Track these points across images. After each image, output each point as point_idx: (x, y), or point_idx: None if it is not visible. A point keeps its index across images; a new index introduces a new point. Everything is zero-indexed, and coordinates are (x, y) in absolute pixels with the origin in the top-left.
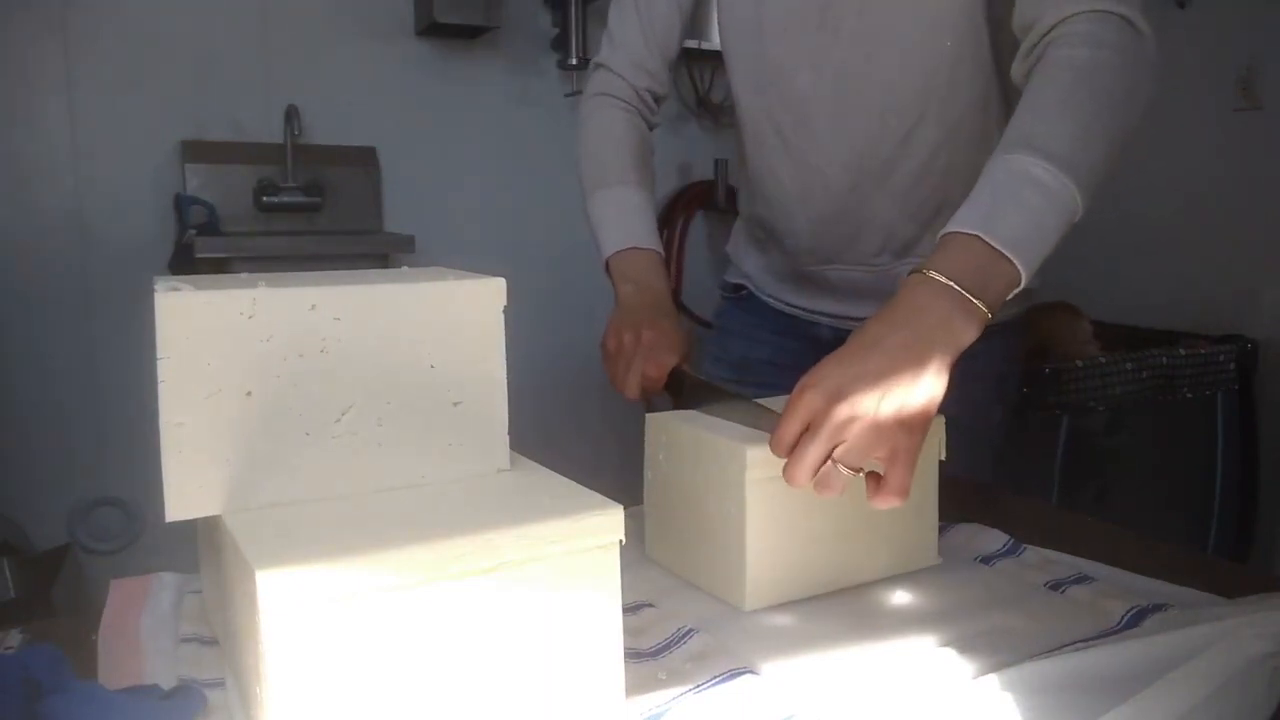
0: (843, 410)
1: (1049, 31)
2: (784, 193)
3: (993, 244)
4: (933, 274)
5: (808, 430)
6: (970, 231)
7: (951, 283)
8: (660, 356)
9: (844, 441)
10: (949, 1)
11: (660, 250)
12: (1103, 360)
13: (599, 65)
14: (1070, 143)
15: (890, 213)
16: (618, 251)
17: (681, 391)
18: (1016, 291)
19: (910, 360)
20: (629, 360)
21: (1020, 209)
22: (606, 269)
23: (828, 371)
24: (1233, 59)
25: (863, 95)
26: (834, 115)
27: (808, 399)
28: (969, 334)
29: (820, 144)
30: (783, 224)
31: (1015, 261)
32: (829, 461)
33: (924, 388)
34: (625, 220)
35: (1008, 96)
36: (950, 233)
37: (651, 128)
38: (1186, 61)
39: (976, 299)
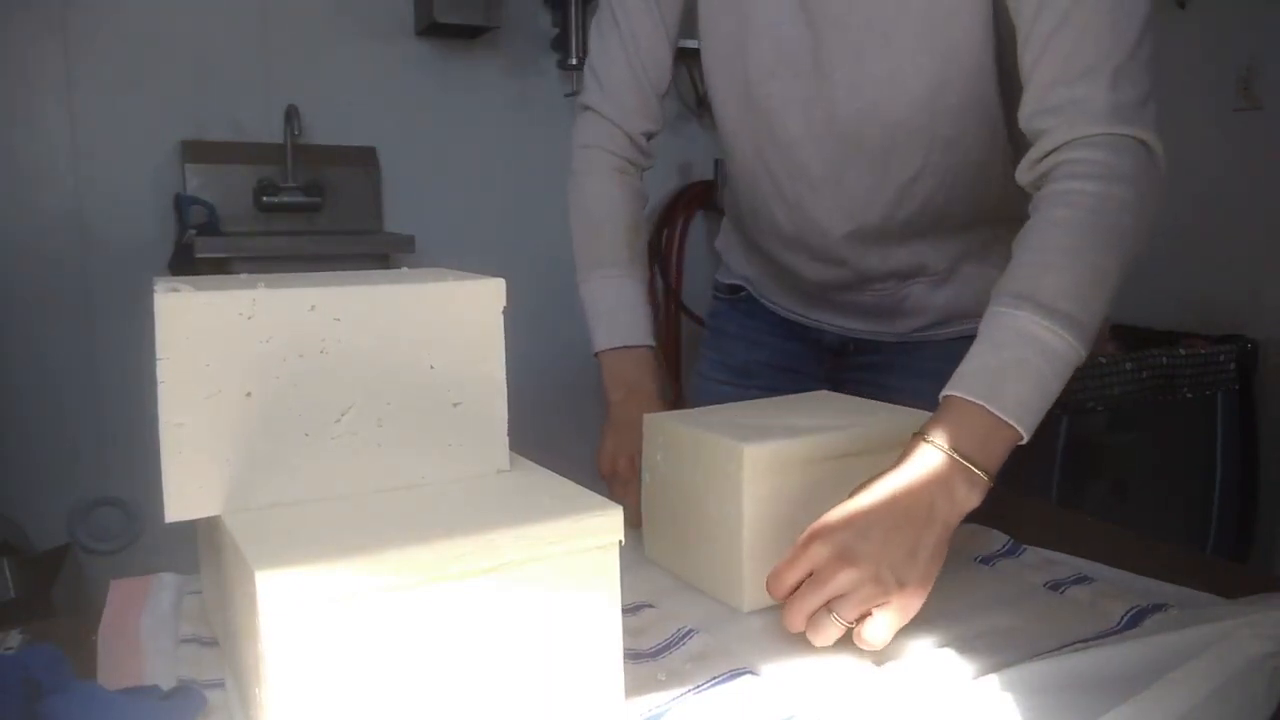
0: (848, 574)
1: (1060, 148)
2: (781, 233)
3: (996, 413)
4: (937, 443)
5: (810, 578)
6: (975, 401)
7: (955, 454)
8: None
9: (843, 596)
10: (956, 48)
11: (651, 343)
12: (1103, 360)
13: (586, 108)
14: (1076, 299)
15: (891, 251)
16: (608, 350)
17: None
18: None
19: (914, 531)
20: (624, 484)
21: (1024, 376)
22: (597, 358)
23: (835, 528)
24: (1233, 59)
25: (860, 145)
26: (829, 163)
27: (814, 552)
28: (972, 501)
29: (816, 191)
30: (783, 258)
31: (1018, 428)
32: (825, 610)
33: (924, 559)
34: (616, 314)
35: (1015, 144)
36: (953, 396)
37: (645, 170)
38: (1186, 61)
39: (979, 469)
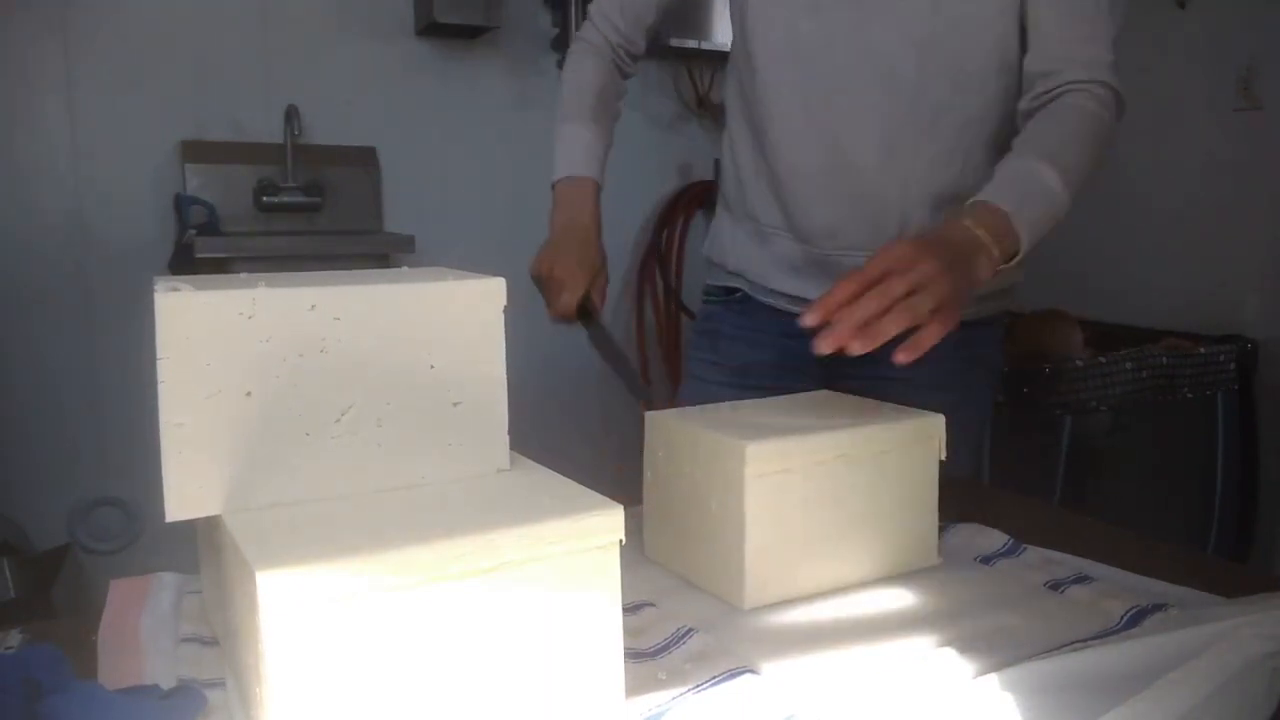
0: (930, 264)
1: (1061, 85)
2: (807, 170)
3: (1015, 224)
4: (973, 225)
5: (888, 277)
6: (1004, 207)
7: (986, 235)
8: (566, 295)
9: (920, 289)
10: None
11: (596, 178)
12: (1103, 360)
13: (588, 16)
14: (1076, 168)
15: (912, 195)
16: (559, 179)
17: (590, 318)
18: (1002, 267)
19: (964, 259)
20: (558, 286)
21: (1037, 205)
22: (552, 188)
23: (908, 242)
24: (1233, 59)
25: (895, 77)
26: (865, 94)
27: (899, 251)
28: (986, 273)
29: (849, 122)
30: (804, 204)
31: (1022, 240)
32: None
33: (967, 280)
34: (572, 152)
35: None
36: (986, 201)
37: (626, 76)
38: (1186, 61)
39: (995, 248)
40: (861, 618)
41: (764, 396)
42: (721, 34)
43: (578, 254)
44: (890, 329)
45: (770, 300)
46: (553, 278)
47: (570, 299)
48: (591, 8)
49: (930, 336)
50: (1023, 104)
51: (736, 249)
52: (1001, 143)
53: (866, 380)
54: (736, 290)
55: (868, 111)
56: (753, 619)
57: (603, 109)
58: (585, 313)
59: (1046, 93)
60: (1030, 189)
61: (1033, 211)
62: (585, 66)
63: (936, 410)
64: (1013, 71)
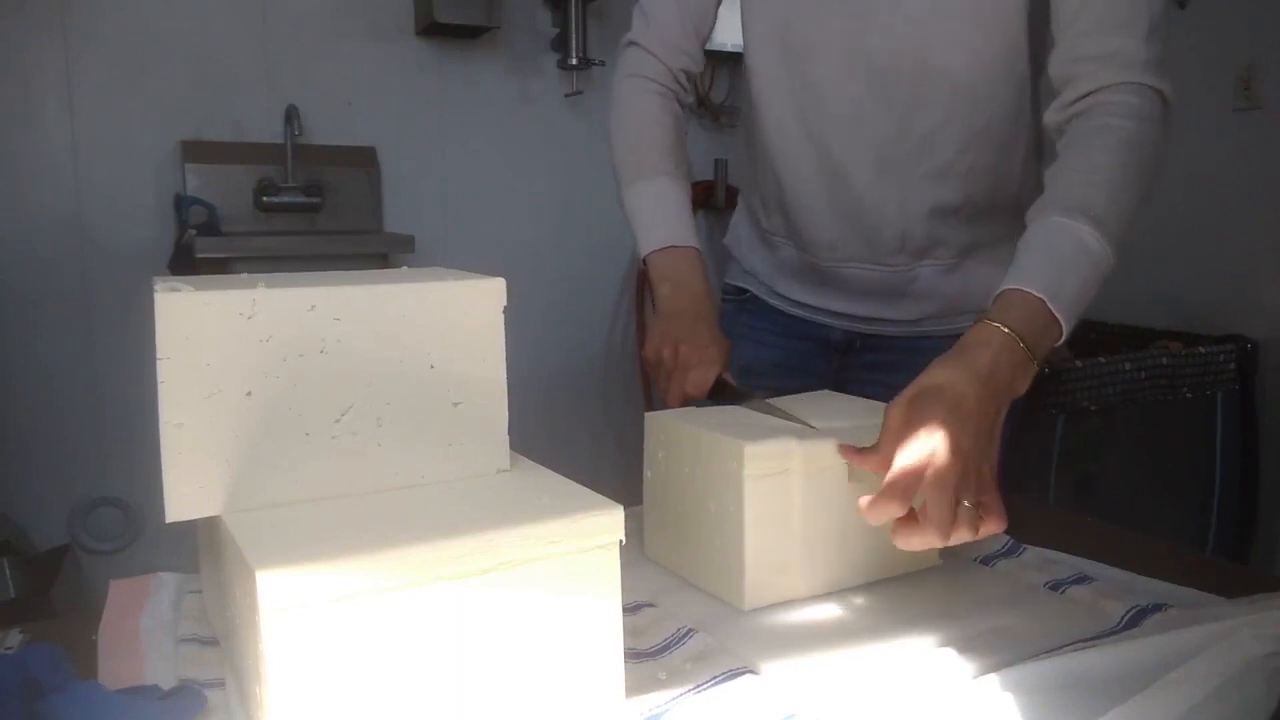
0: (955, 466)
1: (1098, 90)
2: (806, 181)
3: (1053, 309)
4: (1004, 328)
5: (922, 477)
6: (1037, 294)
7: (1020, 339)
8: (698, 373)
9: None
10: (991, 3)
11: (696, 244)
12: (1102, 360)
13: (632, 43)
14: (1119, 217)
15: (910, 210)
16: (656, 250)
17: (725, 391)
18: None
19: (992, 414)
20: (669, 375)
21: (1078, 278)
22: (644, 263)
23: (933, 426)
24: (1233, 59)
25: (890, 89)
26: (859, 105)
27: (919, 449)
28: (1025, 386)
29: (843, 134)
30: (803, 215)
31: (1064, 326)
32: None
33: (997, 440)
34: (663, 216)
35: (1038, 107)
36: (1016, 289)
37: (684, 106)
38: (1186, 61)
39: (1034, 357)
40: (861, 618)
41: (770, 395)
42: (722, 34)
43: (706, 332)
44: (957, 530)
45: (778, 303)
46: (679, 357)
47: (707, 376)
48: (636, 33)
49: (997, 516)
50: (1049, 116)
51: (751, 249)
52: (1023, 146)
53: (874, 385)
54: (746, 291)
55: (860, 125)
56: (753, 619)
57: (681, 157)
58: (719, 389)
59: (1074, 103)
60: (1065, 257)
61: (1073, 286)
62: (650, 108)
63: None
64: (1027, 81)
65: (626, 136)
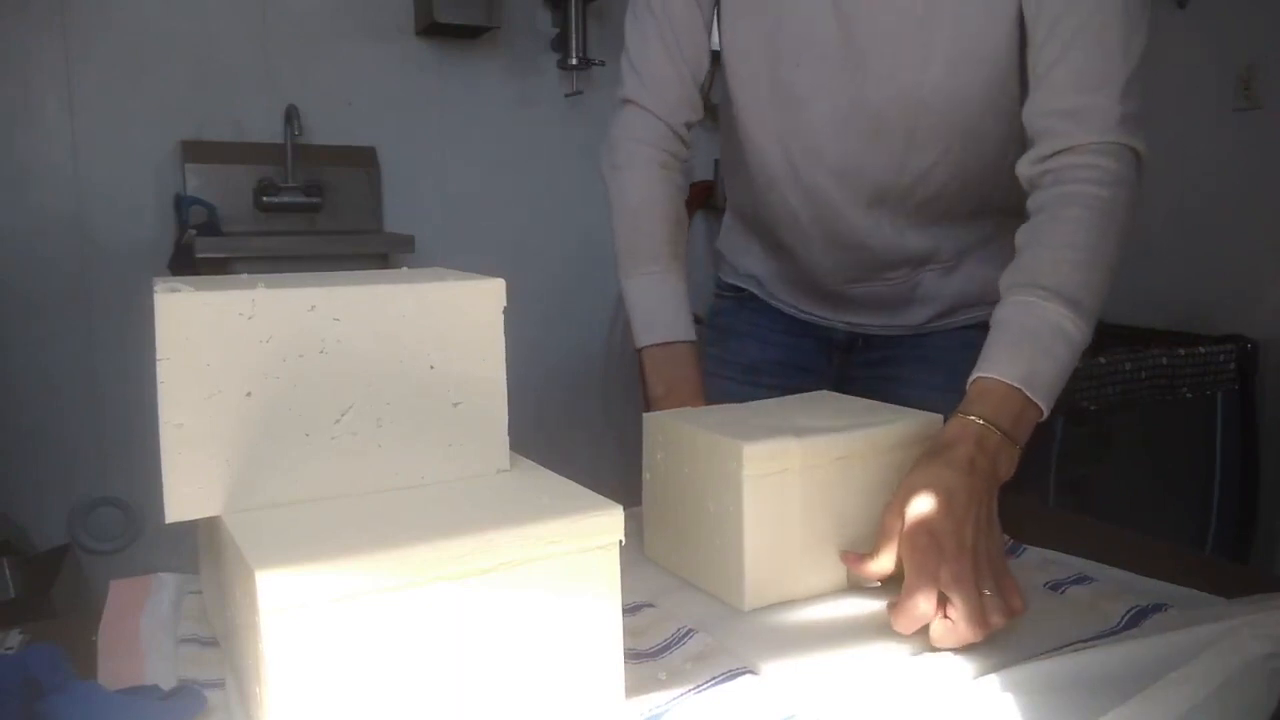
0: (966, 560)
1: (1070, 150)
2: (795, 218)
3: (1030, 396)
4: (979, 420)
5: (938, 578)
6: (1013, 384)
7: (999, 431)
8: None
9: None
10: (981, 46)
11: (692, 339)
12: (1102, 360)
13: (628, 101)
14: (1093, 294)
15: (906, 234)
16: (650, 345)
17: None
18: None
19: (985, 501)
20: None
21: (1054, 364)
22: (638, 353)
23: (933, 526)
24: (1233, 59)
25: (882, 134)
26: (850, 150)
27: (927, 550)
28: (1010, 470)
29: (834, 177)
30: (798, 248)
31: (1043, 408)
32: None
33: (996, 523)
34: (658, 311)
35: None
36: (992, 379)
37: (686, 161)
38: (1186, 61)
39: (1015, 443)
40: (861, 618)
41: (771, 395)
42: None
43: None
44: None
45: (780, 305)
46: None
47: None
48: (630, 90)
49: (1016, 606)
50: (1021, 168)
51: (749, 257)
52: (1015, 153)
53: (876, 380)
54: (745, 291)
55: (856, 172)
56: (752, 619)
57: (680, 240)
58: None
59: (1047, 159)
60: (1040, 340)
61: (1049, 371)
62: (650, 192)
63: (947, 412)
64: (1018, 103)
65: (626, 220)
